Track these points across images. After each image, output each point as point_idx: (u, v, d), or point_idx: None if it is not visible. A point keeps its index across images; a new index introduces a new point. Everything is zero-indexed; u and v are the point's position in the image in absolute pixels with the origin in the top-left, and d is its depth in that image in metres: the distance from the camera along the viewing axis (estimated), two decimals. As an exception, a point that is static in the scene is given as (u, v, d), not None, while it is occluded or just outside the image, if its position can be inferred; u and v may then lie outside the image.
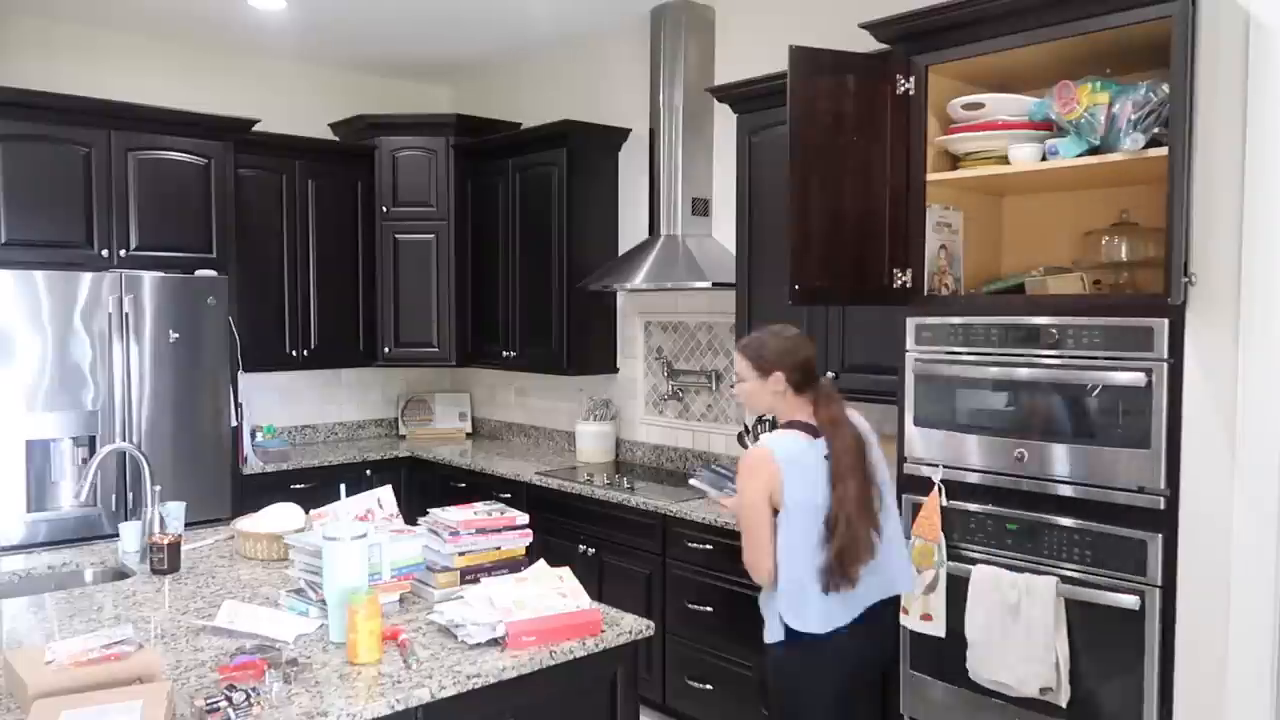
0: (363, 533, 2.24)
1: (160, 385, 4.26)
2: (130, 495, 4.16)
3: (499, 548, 2.56)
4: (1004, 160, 2.84)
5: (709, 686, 3.68)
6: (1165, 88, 2.47)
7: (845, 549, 2.43)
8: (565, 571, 2.44)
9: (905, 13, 2.92)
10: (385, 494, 2.88)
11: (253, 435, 4.90)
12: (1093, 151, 2.64)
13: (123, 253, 4.27)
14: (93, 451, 4.04)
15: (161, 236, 4.37)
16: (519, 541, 2.60)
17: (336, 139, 5.47)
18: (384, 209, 5.32)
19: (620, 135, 4.85)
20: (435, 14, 4.64)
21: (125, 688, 1.80)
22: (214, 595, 2.58)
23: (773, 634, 2.54)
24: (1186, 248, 2.44)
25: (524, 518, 2.62)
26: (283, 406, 5.39)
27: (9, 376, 3.91)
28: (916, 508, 2.94)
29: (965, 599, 2.80)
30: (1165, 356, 2.49)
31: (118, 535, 3.02)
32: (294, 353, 5.09)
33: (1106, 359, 2.58)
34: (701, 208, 4.38)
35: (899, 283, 3.02)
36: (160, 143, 4.37)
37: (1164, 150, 2.46)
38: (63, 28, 4.70)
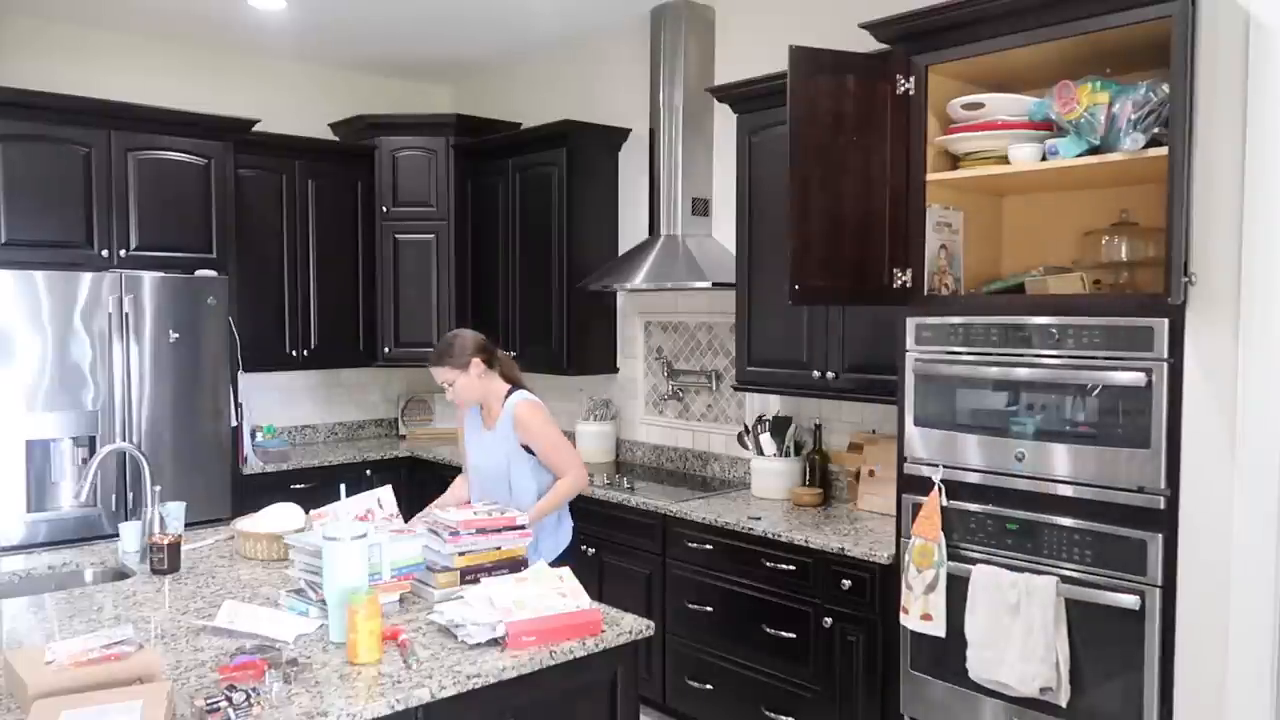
0: (363, 533, 2.24)
1: (160, 385, 4.26)
2: (130, 495, 4.16)
3: (499, 548, 2.56)
4: (1004, 160, 2.84)
5: (709, 686, 3.68)
6: (1165, 88, 2.47)
7: None
8: (565, 571, 2.44)
9: (905, 13, 2.92)
10: (385, 494, 2.88)
11: (253, 435, 4.90)
12: (1093, 151, 2.64)
13: (123, 253, 4.27)
14: (93, 451, 4.04)
15: (161, 236, 4.37)
16: (519, 541, 2.60)
17: (336, 139, 5.47)
18: (384, 209, 5.32)
19: (620, 135, 4.85)
20: (435, 14, 4.64)
21: (125, 688, 1.80)
22: (214, 595, 2.58)
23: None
24: (1186, 247, 2.44)
25: (524, 518, 2.62)
26: (283, 406, 5.39)
27: (9, 376, 3.91)
28: (916, 507, 2.94)
29: (965, 599, 2.80)
30: (1165, 356, 2.49)
31: (118, 535, 3.02)
32: (294, 353, 5.09)
33: (1106, 359, 2.58)
34: (701, 208, 4.38)
35: (899, 283, 3.02)
36: (160, 143, 4.37)
37: (1164, 150, 2.46)
38: (63, 28, 4.70)
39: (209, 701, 1.80)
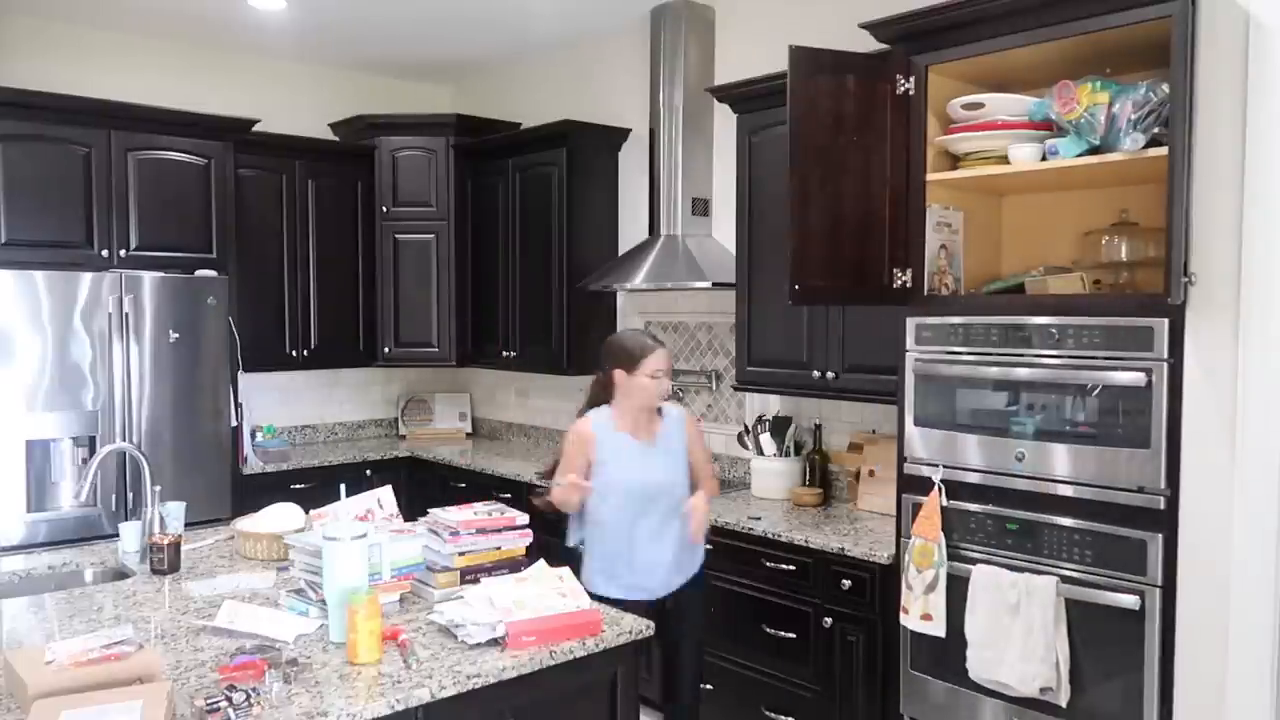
0: (363, 533, 2.24)
1: (160, 385, 4.26)
2: (130, 495, 4.16)
3: (499, 548, 2.56)
4: (1004, 160, 2.84)
5: (709, 686, 3.67)
6: (1165, 88, 2.47)
7: None
8: (565, 571, 2.44)
9: (905, 13, 2.92)
10: (385, 494, 2.88)
11: (253, 435, 4.90)
12: (1093, 151, 2.64)
13: (123, 253, 4.27)
14: (93, 451, 4.04)
15: (161, 236, 4.37)
16: (519, 541, 2.60)
17: (336, 139, 5.47)
18: (384, 209, 5.32)
19: (620, 135, 4.85)
20: (435, 14, 4.64)
21: (125, 688, 1.80)
22: (214, 595, 2.57)
23: None
24: (1186, 247, 2.44)
25: (524, 518, 2.62)
26: (283, 406, 5.39)
27: (9, 376, 3.91)
28: (916, 507, 2.94)
29: (965, 599, 2.80)
30: (1165, 356, 2.49)
31: (118, 535, 3.02)
32: (294, 353, 5.09)
33: (1106, 359, 2.58)
34: (701, 208, 4.38)
35: (899, 283, 3.02)
36: (160, 143, 4.37)
37: (1164, 150, 2.46)
38: (63, 27, 4.70)
39: (209, 701, 1.80)
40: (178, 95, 4.76)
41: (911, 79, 2.96)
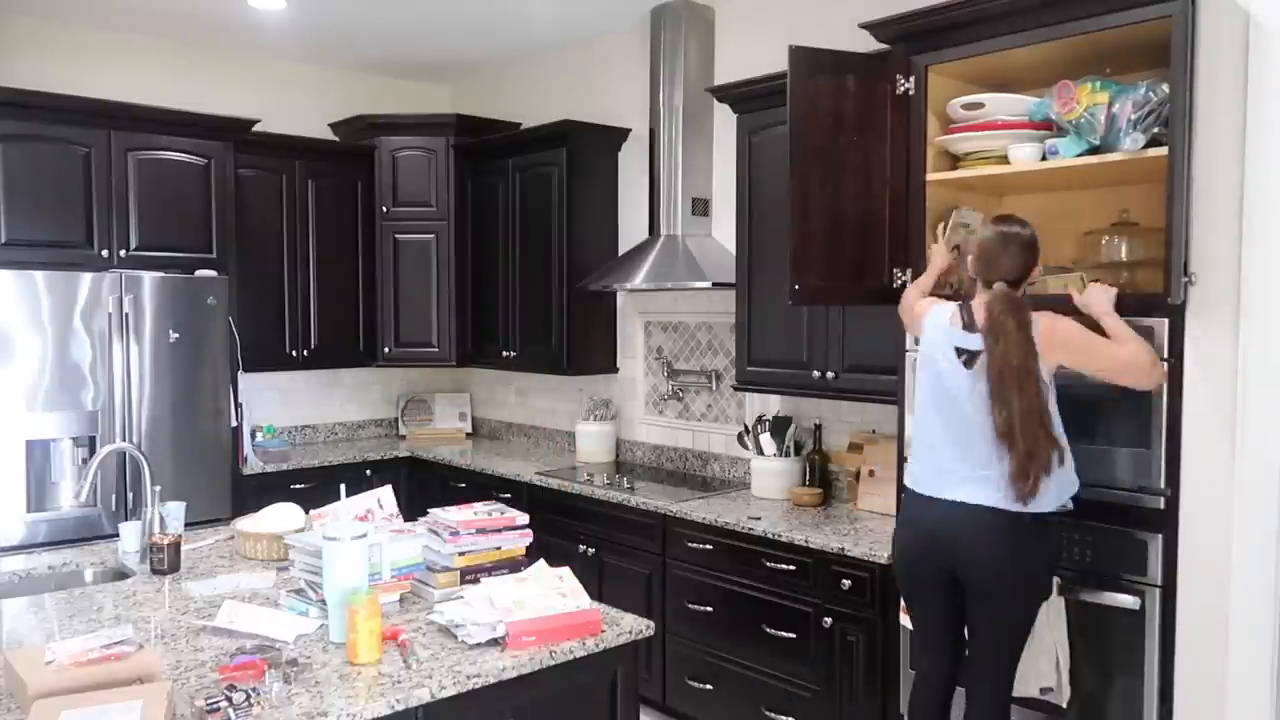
0: (363, 533, 2.24)
1: (160, 385, 4.26)
2: (130, 495, 4.16)
3: (499, 548, 2.56)
4: (1004, 160, 2.84)
5: (709, 686, 3.68)
6: (1165, 88, 2.47)
7: (1022, 462, 2.44)
8: (565, 571, 2.44)
9: (905, 13, 2.92)
10: (385, 494, 2.88)
11: (253, 435, 4.90)
12: (1093, 151, 2.64)
13: (123, 253, 4.27)
14: (93, 451, 4.04)
15: (161, 236, 4.37)
16: (519, 541, 2.60)
17: (336, 139, 5.47)
18: (384, 209, 5.32)
19: (620, 135, 4.85)
20: (435, 15, 4.64)
21: (125, 688, 1.80)
22: (214, 595, 2.57)
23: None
24: (1186, 247, 2.44)
25: (524, 518, 2.62)
26: (283, 406, 5.39)
27: (9, 376, 3.91)
28: (916, 508, 2.93)
29: (965, 599, 2.80)
30: (1165, 356, 2.49)
31: (118, 535, 3.02)
32: (294, 353, 5.09)
33: (1106, 359, 2.58)
34: (701, 208, 4.38)
35: (899, 283, 3.02)
36: (160, 143, 4.37)
37: (1164, 150, 2.46)
38: (63, 27, 4.70)
39: (209, 701, 1.80)
40: (177, 95, 4.76)
41: (911, 79, 2.96)
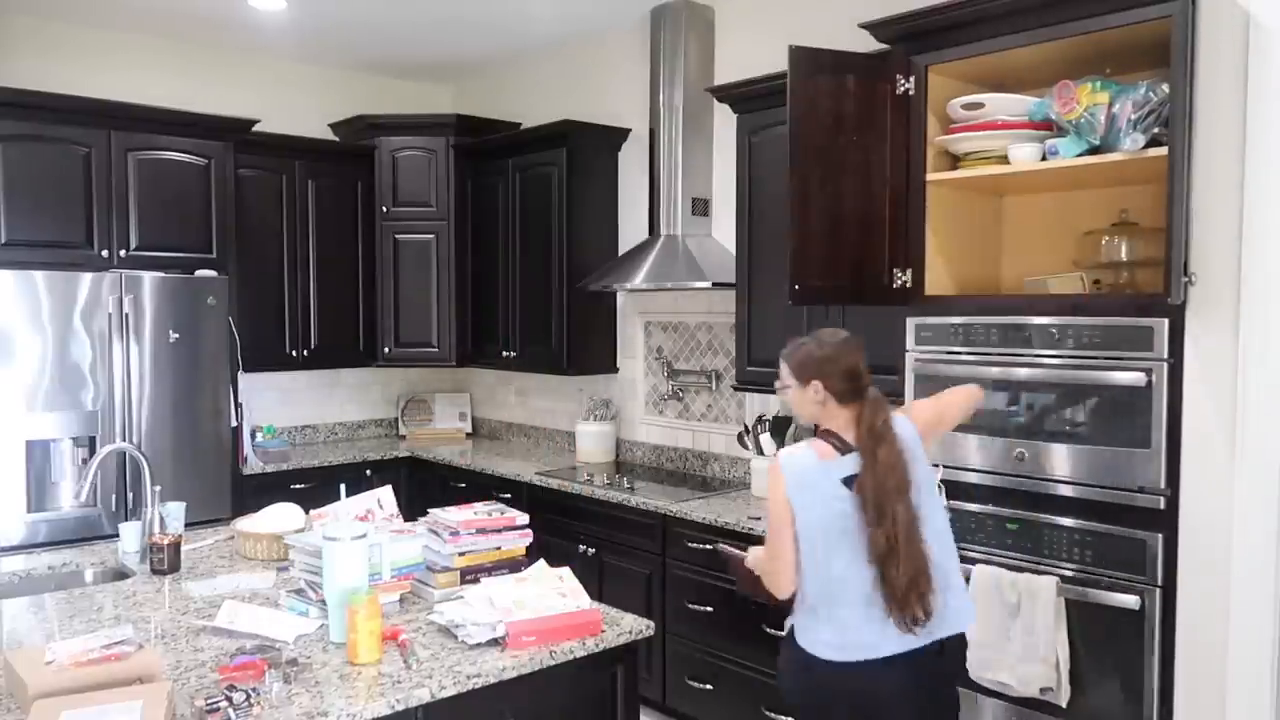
0: (363, 533, 2.24)
1: (160, 385, 4.26)
2: (130, 495, 4.16)
3: (499, 548, 2.56)
4: (1004, 160, 2.84)
5: (709, 686, 3.68)
6: (1165, 88, 2.48)
7: (911, 579, 2.17)
8: (565, 571, 2.44)
9: (905, 13, 2.92)
10: (385, 494, 2.88)
11: (253, 435, 4.90)
12: (1093, 151, 2.64)
13: (123, 253, 4.27)
14: (93, 452, 4.03)
15: (161, 236, 4.37)
16: (519, 541, 2.60)
17: (336, 139, 5.47)
18: (384, 209, 5.32)
19: (620, 135, 4.85)
20: (435, 15, 4.64)
21: (125, 688, 1.80)
22: (214, 595, 2.57)
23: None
24: (1186, 247, 2.44)
25: (524, 518, 2.62)
26: (283, 406, 5.39)
27: (9, 376, 3.91)
28: (916, 508, 2.93)
29: (965, 599, 2.80)
30: (1165, 356, 2.49)
31: (118, 535, 3.02)
32: (294, 353, 5.09)
33: (1106, 359, 2.58)
34: (701, 208, 4.38)
35: (899, 283, 3.02)
36: (160, 143, 4.37)
37: (1164, 150, 2.46)
38: (63, 27, 4.70)
39: (209, 701, 1.80)
40: (178, 95, 4.76)
41: (911, 79, 2.96)
